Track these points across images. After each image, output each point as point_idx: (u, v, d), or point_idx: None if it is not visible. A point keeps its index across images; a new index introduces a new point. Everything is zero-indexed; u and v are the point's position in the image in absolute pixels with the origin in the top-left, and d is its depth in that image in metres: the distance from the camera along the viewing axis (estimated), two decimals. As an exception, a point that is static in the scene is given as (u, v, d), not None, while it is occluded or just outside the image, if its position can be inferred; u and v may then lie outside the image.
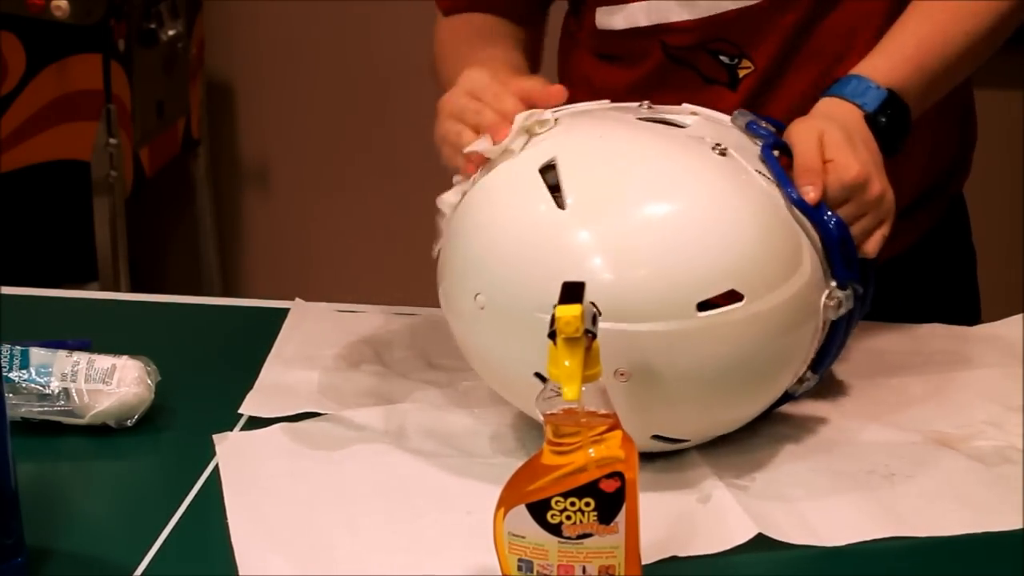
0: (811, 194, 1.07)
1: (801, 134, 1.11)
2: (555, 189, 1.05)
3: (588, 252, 1.03)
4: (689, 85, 1.31)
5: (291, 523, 1.03)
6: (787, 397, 1.13)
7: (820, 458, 1.11)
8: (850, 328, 1.12)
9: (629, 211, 1.04)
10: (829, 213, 1.08)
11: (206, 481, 1.10)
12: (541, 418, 0.89)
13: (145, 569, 0.98)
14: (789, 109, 1.24)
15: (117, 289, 2.62)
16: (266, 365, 1.28)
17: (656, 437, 1.07)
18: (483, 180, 1.10)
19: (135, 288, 2.72)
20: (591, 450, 0.86)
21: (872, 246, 1.11)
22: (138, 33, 2.62)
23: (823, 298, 1.08)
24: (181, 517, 1.05)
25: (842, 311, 1.08)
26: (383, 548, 1.00)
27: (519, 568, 0.89)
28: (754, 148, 1.11)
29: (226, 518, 1.03)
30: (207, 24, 2.97)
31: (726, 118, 1.15)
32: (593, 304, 0.90)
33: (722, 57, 1.31)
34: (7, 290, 1.41)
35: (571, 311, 0.86)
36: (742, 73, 1.31)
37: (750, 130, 1.13)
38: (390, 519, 1.04)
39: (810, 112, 1.17)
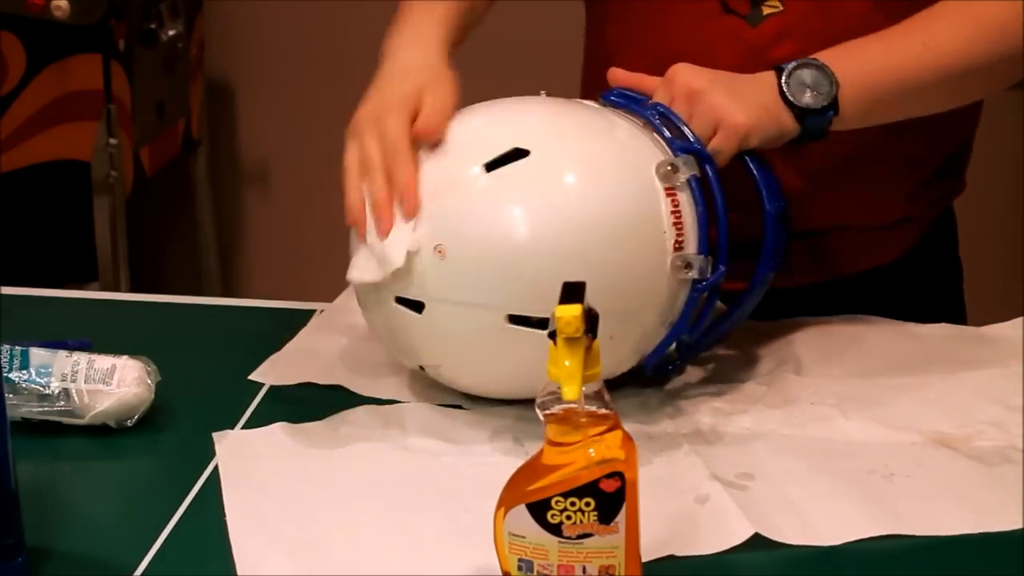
0: (618, 74, 1.20)
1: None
2: None
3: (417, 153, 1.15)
4: (705, 11, 1.29)
5: (290, 521, 1.03)
6: (695, 291, 1.12)
7: (819, 458, 1.11)
8: (718, 203, 1.12)
9: (453, 132, 1.15)
10: (649, 102, 1.16)
11: (206, 481, 1.10)
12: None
13: (145, 569, 0.98)
14: None
15: (117, 289, 2.62)
16: (305, 329, 1.35)
17: (513, 319, 1.10)
18: None
19: (135, 288, 2.72)
20: (591, 450, 0.86)
21: (713, 145, 1.13)
22: (138, 33, 2.62)
23: (654, 164, 1.12)
24: (181, 517, 1.05)
25: (681, 175, 1.11)
26: (382, 547, 1.00)
27: (519, 568, 0.89)
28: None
29: (225, 517, 1.03)
30: (207, 24, 2.97)
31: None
32: (592, 308, 0.90)
33: None
34: (7, 290, 1.41)
35: (571, 311, 0.86)
36: (767, 11, 1.28)
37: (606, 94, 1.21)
38: (389, 518, 1.04)
39: None
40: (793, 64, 1.17)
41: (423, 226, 1.11)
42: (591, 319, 0.88)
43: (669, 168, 1.11)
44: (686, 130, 1.14)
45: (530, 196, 1.10)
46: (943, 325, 1.34)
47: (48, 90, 2.55)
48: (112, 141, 2.57)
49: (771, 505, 1.04)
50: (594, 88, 1.40)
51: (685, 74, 1.16)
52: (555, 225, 1.09)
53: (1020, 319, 1.33)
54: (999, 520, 1.02)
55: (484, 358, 1.13)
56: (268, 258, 3.25)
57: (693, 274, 1.12)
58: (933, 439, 1.14)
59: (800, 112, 1.16)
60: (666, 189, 1.11)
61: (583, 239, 1.09)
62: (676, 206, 1.11)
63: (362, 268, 1.14)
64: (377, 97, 1.20)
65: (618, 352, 1.13)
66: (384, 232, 1.12)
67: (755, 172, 1.16)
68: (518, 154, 1.11)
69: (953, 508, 1.04)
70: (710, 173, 1.13)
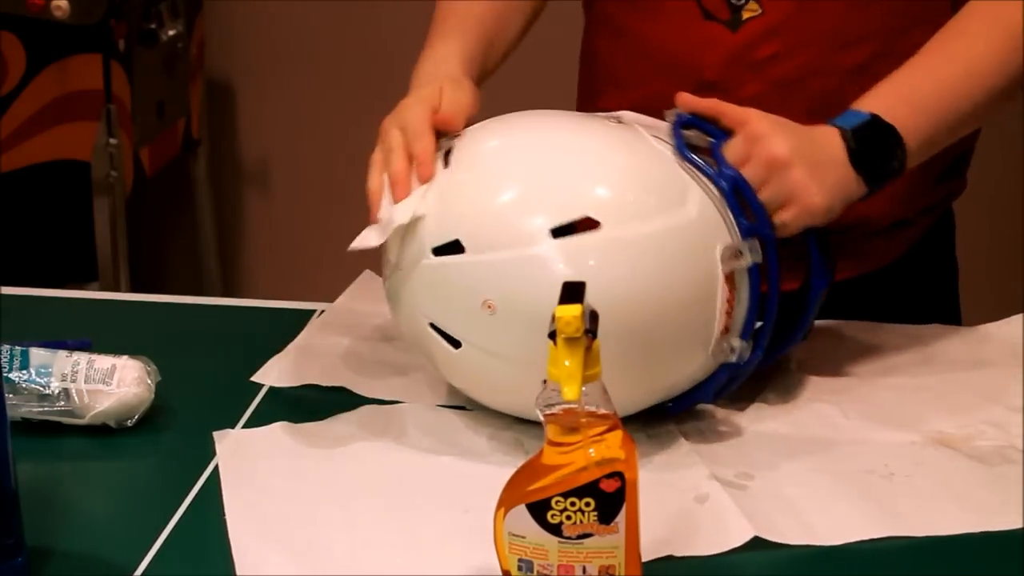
0: (687, 99, 1.13)
1: (751, 111, 1.13)
2: (447, 161, 1.13)
3: (456, 195, 1.09)
4: (687, 18, 1.29)
5: (290, 521, 1.03)
6: (723, 371, 1.11)
7: (819, 458, 1.11)
8: (773, 292, 1.10)
9: (500, 154, 1.11)
10: (729, 168, 1.10)
11: (206, 481, 1.10)
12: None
13: (145, 569, 0.98)
14: (785, 79, 1.23)
15: (117, 289, 2.62)
16: (306, 329, 1.34)
17: None
18: None
19: (135, 288, 2.72)
20: (591, 450, 0.86)
21: (781, 219, 1.11)
22: (138, 33, 2.62)
23: (720, 247, 1.08)
24: (181, 517, 1.05)
25: (744, 261, 1.08)
26: (382, 546, 1.00)
27: (519, 568, 0.89)
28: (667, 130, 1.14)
29: (225, 517, 1.03)
30: (207, 24, 2.97)
31: (663, 124, 1.15)
32: (592, 308, 0.90)
33: None
34: (7, 290, 1.41)
35: (571, 311, 0.86)
36: (747, 15, 1.28)
37: (679, 120, 1.14)
38: (389, 518, 1.04)
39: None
40: (855, 122, 1.14)
41: (475, 276, 1.07)
42: (591, 319, 0.88)
43: (734, 254, 1.08)
44: (754, 199, 1.10)
45: (594, 274, 1.02)
46: (940, 326, 1.34)
47: (48, 90, 2.55)
48: (112, 141, 2.57)
49: (770, 505, 1.04)
50: (588, 95, 1.41)
51: (767, 136, 1.11)
52: (613, 303, 1.03)
53: (1017, 316, 1.33)
54: (999, 520, 1.02)
55: (513, 398, 1.12)
56: (268, 258, 3.25)
57: (732, 358, 1.10)
58: (933, 439, 1.14)
59: (873, 179, 1.15)
60: (726, 275, 1.08)
61: (635, 317, 1.05)
62: (732, 292, 1.09)
63: (364, 236, 1.11)
64: (400, 103, 1.20)
65: (634, 398, 1.12)
66: (398, 200, 1.11)
67: (813, 252, 1.15)
68: (589, 224, 1.05)
69: (953, 508, 1.04)
70: (772, 259, 1.10)
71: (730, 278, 1.08)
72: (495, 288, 1.06)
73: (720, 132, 1.13)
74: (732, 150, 1.11)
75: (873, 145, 1.15)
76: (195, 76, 2.90)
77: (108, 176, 2.58)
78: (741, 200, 1.09)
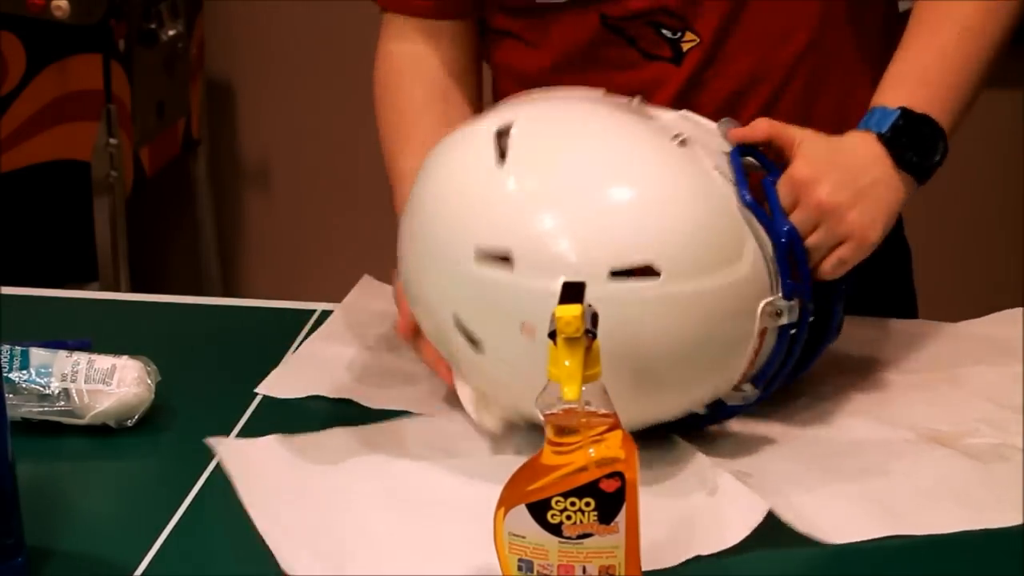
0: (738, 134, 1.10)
1: (798, 139, 1.11)
2: (504, 151, 1.07)
3: (516, 204, 1.05)
4: (628, 61, 1.28)
5: (313, 530, 1.02)
6: (724, 410, 1.11)
7: (814, 456, 1.11)
8: (796, 345, 1.09)
9: (563, 172, 1.06)
10: (784, 222, 1.08)
11: (206, 481, 1.10)
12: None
13: (145, 569, 0.98)
14: (735, 90, 1.23)
15: (117, 289, 2.62)
16: (310, 338, 1.33)
17: None
18: (446, 138, 1.13)
19: (135, 288, 2.72)
20: (591, 450, 0.86)
21: (827, 266, 1.10)
22: (138, 33, 2.62)
23: (762, 303, 1.06)
24: (181, 517, 1.05)
25: (782, 320, 1.07)
26: (384, 548, 1.00)
27: (519, 568, 0.89)
28: (725, 151, 1.10)
29: (225, 519, 1.03)
30: (207, 24, 2.97)
31: (713, 124, 1.14)
32: (591, 305, 0.90)
33: (664, 31, 1.26)
34: (7, 290, 1.41)
35: (571, 311, 0.86)
36: (686, 47, 1.26)
37: (735, 153, 1.11)
38: (388, 519, 1.04)
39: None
40: (888, 123, 1.14)
41: (521, 299, 1.03)
42: (592, 320, 0.88)
43: (774, 312, 1.07)
44: (803, 259, 1.09)
45: (640, 321, 1.02)
46: (933, 322, 1.34)
47: (48, 90, 2.55)
48: (112, 141, 2.57)
49: (771, 501, 1.03)
50: None
51: (813, 183, 1.09)
52: (648, 349, 1.03)
53: (1006, 312, 1.33)
54: (995, 517, 1.03)
55: (525, 405, 1.08)
56: (268, 258, 3.25)
57: (739, 401, 1.10)
58: (928, 436, 1.14)
59: (922, 175, 1.15)
60: (759, 331, 1.07)
61: (663, 361, 1.04)
62: (761, 345, 1.08)
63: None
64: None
65: (641, 413, 1.10)
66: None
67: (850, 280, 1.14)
68: (648, 271, 1.02)
69: (950, 505, 1.04)
70: (805, 316, 1.08)
71: (763, 332, 1.07)
72: (539, 317, 0.95)
73: (771, 163, 1.12)
74: (781, 192, 1.10)
75: (913, 141, 1.14)
76: (195, 76, 2.90)
77: (108, 176, 2.58)
78: (790, 256, 1.08)
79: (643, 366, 1.03)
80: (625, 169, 1.06)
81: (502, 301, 1.04)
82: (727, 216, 1.06)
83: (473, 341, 1.07)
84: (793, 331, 1.08)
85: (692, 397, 1.10)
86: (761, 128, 1.12)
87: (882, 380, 1.24)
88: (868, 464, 1.10)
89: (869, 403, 1.20)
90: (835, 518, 1.02)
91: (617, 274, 1.01)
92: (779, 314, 1.07)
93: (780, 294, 1.07)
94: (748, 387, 1.10)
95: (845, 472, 1.09)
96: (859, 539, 1.01)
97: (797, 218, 1.09)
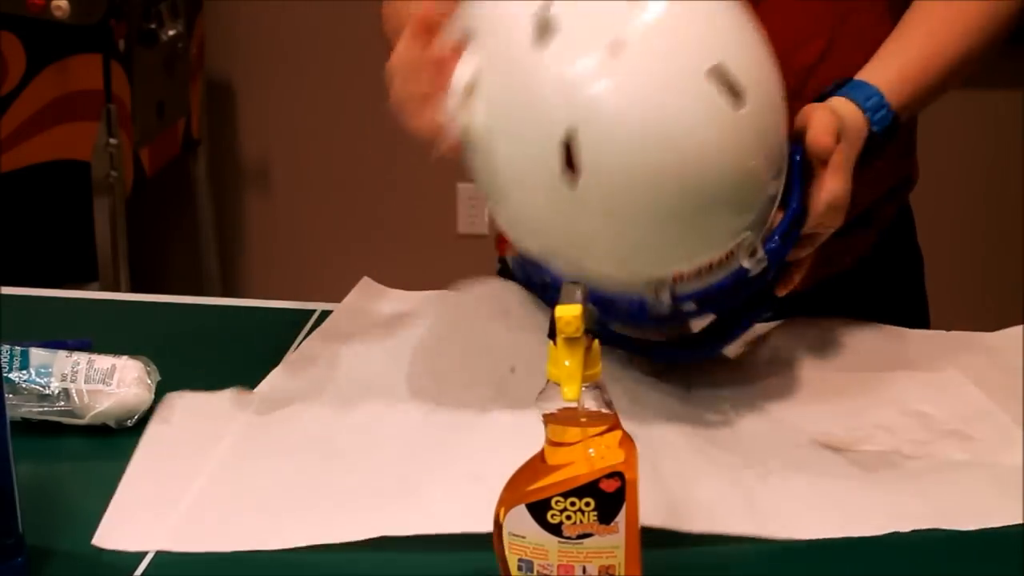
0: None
1: (819, 124, 1.12)
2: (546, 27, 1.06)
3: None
4: None
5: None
6: (734, 277, 1.10)
7: (705, 447, 1.10)
8: (745, 290, 1.11)
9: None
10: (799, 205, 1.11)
11: (206, 481, 1.10)
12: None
13: (145, 569, 0.98)
14: None
15: (117, 289, 2.63)
16: (310, 338, 1.31)
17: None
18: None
19: (135, 288, 2.72)
20: (591, 450, 0.86)
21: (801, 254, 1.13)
22: (138, 33, 2.62)
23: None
24: (181, 517, 1.05)
25: (748, 264, 1.08)
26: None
27: (519, 568, 0.89)
28: None
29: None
30: (207, 24, 2.97)
31: None
32: (592, 304, 0.90)
33: None
34: (7, 290, 1.41)
35: (571, 311, 0.86)
36: None
37: None
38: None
39: (828, 104, 1.16)
40: (887, 126, 1.17)
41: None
42: (592, 319, 0.88)
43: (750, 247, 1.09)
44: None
45: (710, 134, 1.04)
46: (886, 327, 1.32)
47: (48, 90, 2.55)
48: (112, 141, 2.58)
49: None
50: None
51: (832, 213, 1.12)
52: (707, 163, 1.04)
53: (1014, 328, 1.31)
54: (861, 527, 1.01)
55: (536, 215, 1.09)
56: (268, 258, 3.25)
57: (751, 263, 1.09)
58: (822, 441, 1.12)
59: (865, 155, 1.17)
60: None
61: (716, 179, 1.05)
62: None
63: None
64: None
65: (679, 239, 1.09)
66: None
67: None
68: (735, 92, 1.04)
69: (816, 512, 1.02)
70: (760, 281, 1.11)
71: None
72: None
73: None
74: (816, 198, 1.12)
75: (882, 142, 1.17)
76: (195, 76, 2.90)
77: (108, 176, 2.59)
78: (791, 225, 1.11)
79: (693, 184, 1.03)
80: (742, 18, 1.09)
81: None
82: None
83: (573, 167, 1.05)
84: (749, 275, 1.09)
85: (731, 226, 1.08)
86: (804, 115, 1.14)
87: (800, 379, 1.22)
88: (749, 463, 1.08)
89: (774, 400, 1.18)
90: (701, 508, 1.01)
91: (714, 73, 1.03)
92: (753, 254, 1.08)
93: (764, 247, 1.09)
94: (762, 250, 1.09)
95: (727, 466, 1.07)
96: (717, 532, 0.99)
97: (814, 223, 1.11)
